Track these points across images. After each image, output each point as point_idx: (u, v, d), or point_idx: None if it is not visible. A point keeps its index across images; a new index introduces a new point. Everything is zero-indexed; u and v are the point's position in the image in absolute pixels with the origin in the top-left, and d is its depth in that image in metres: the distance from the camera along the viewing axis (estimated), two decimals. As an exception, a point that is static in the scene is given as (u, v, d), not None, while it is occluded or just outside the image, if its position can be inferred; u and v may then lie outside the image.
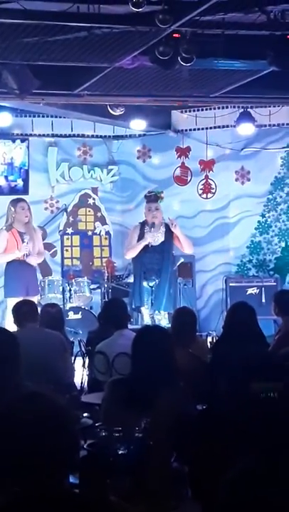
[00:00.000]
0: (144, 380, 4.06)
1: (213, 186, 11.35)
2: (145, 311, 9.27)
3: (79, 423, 4.02)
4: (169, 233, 9.36)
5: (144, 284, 9.28)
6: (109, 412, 4.16)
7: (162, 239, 9.34)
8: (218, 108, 10.95)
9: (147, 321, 9.17)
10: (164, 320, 9.07)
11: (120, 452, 3.39)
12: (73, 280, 10.46)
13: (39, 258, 9.51)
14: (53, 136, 11.39)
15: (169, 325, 8.00)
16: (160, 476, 3.41)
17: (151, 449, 3.43)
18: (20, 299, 9.13)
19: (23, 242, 9.21)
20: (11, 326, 8.28)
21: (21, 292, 9.12)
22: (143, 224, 9.43)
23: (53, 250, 11.36)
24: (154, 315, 9.22)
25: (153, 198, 9.62)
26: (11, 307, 9.10)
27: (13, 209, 9.31)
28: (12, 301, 9.17)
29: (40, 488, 2.26)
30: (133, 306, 9.31)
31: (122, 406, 4.00)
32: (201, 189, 11.40)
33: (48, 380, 5.05)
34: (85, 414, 4.24)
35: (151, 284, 9.23)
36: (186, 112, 11.25)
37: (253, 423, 2.95)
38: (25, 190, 11.08)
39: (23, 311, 6.66)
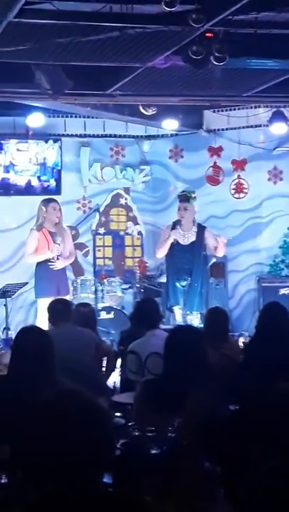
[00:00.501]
0: (176, 380, 4.05)
1: (245, 186, 11.31)
2: (178, 311, 9.27)
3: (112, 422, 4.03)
4: (200, 233, 9.35)
5: (177, 284, 9.28)
6: (141, 412, 4.16)
7: (193, 239, 9.33)
8: (251, 107, 10.91)
9: (179, 320, 9.16)
10: (196, 320, 9.05)
11: (153, 452, 3.39)
12: (105, 280, 10.48)
13: (68, 260, 9.49)
14: (85, 136, 11.42)
15: (202, 325, 8.01)
16: (192, 476, 3.40)
17: (184, 448, 3.42)
18: (52, 298, 9.20)
19: (54, 242, 9.22)
20: (43, 326, 8.36)
21: (52, 292, 9.14)
22: (175, 223, 9.45)
23: (85, 250, 11.39)
24: (186, 315, 9.22)
25: (183, 197, 9.61)
26: (42, 307, 9.23)
27: (44, 209, 9.32)
28: (43, 301, 9.22)
29: (75, 486, 2.26)
30: (167, 306, 9.34)
31: (154, 406, 4.00)
32: (233, 189, 11.36)
33: (80, 378, 5.07)
34: (118, 414, 4.25)
35: (183, 283, 9.23)
36: (218, 111, 11.21)
37: (282, 423, 2.93)
38: (57, 190, 11.12)
39: (57, 310, 6.72)
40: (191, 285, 9.22)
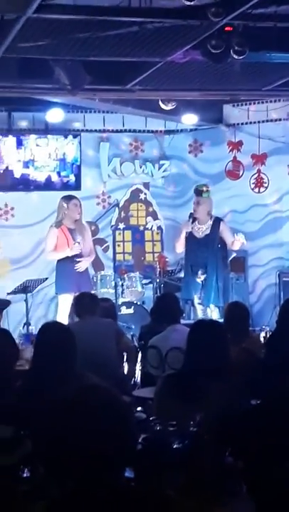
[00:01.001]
0: (197, 375, 4.05)
1: (265, 180, 11.26)
2: (198, 306, 9.28)
3: (134, 417, 4.03)
4: (216, 226, 9.37)
5: (195, 278, 9.30)
6: (163, 406, 4.16)
7: (208, 232, 9.34)
8: (271, 101, 10.86)
9: (199, 315, 9.16)
10: (214, 313, 9.04)
11: (175, 446, 3.38)
12: (125, 275, 10.49)
13: (90, 258, 9.51)
14: (104, 131, 11.42)
15: (221, 319, 8.00)
16: (214, 470, 3.39)
17: (206, 443, 3.42)
18: (72, 295, 9.22)
19: (73, 239, 9.22)
20: (64, 321, 8.40)
21: (73, 288, 9.16)
22: (189, 217, 9.51)
23: (105, 245, 11.40)
24: (205, 309, 9.22)
25: (195, 191, 9.66)
26: (63, 303, 9.26)
27: (65, 205, 9.31)
28: (63, 298, 9.26)
29: (96, 481, 2.27)
30: (183, 300, 9.34)
31: (176, 400, 4.00)
32: (253, 183, 11.32)
33: (102, 372, 5.10)
34: (139, 409, 4.25)
35: (201, 278, 9.24)
36: (238, 105, 11.17)
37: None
38: (77, 185, 11.13)
39: (83, 303, 6.81)
40: (207, 279, 9.23)
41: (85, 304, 6.80)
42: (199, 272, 9.27)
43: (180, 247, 9.55)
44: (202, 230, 9.35)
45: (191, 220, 9.41)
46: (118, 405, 2.38)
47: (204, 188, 9.53)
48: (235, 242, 9.27)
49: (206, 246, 9.32)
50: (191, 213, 9.49)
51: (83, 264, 9.25)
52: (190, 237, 9.38)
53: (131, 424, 2.42)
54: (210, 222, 9.37)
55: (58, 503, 2.30)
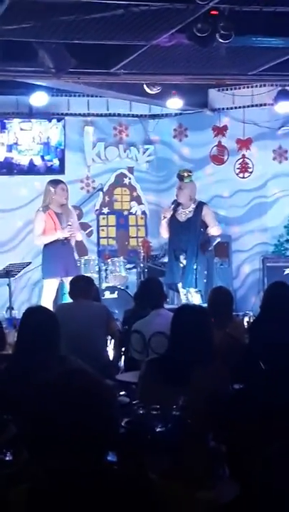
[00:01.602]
0: (181, 358, 4.05)
1: (250, 165, 11.26)
2: (182, 290, 9.31)
3: (117, 401, 4.04)
4: (198, 210, 9.43)
5: (176, 262, 9.35)
6: (146, 390, 4.16)
7: (190, 215, 9.38)
8: (256, 86, 10.84)
9: (182, 300, 9.19)
10: (196, 298, 9.05)
11: (158, 430, 3.39)
12: (109, 260, 10.48)
13: (80, 236, 9.66)
14: (89, 115, 11.36)
15: (202, 303, 8.04)
16: (197, 454, 3.40)
17: (189, 427, 3.42)
18: (59, 279, 9.23)
19: (60, 224, 9.22)
20: (48, 306, 8.40)
21: (60, 273, 9.16)
22: (173, 202, 9.60)
23: (88, 230, 11.37)
24: (187, 294, 9.25)
25: (178, 176, 9.72)
26: (48, 287, 9.25)
27: (53, 190, 9.30)
28: (49, 282, 9.25)
29: (79, 464, 2.26)
30: (166, 284, 9.38)
31: (159, 384, 4.00)
32: (238, 168, 11.32)
33: (87, 355, 5.11)
34: (122, 393, 4.26)
35: (183, 262, 9.31)
36: (223, 90, 11.15)
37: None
38: (61, 169, 11.09)
39: (78, 286, 6.86)
40: (186, 262, 9.29)
41: (81, 287, 6.87)
42: (181, 257, 9.33)
43: (164, 232, 9.63)
44: (185, 213, 9.39)
45: (173, 206, 9.45)
46: (100, 389, 2.37)
47: (186, 174, 9.56)
48: (212, 229, 9.33)
49: (188, 229, 9.37)
50: (174, 199, 9.56)
51: (78, 236, 9.43)
52: (173, 222, 9.44)
53: (113, 407, 2.41)
54: (193, 206, 9.42)
55: (40, 486, 2.29)
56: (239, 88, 11.02)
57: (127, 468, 2.98)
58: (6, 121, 10.89)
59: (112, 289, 10.06)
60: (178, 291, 9.43)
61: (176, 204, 9.48)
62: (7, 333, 6.67)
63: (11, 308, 9.67)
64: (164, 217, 9.51)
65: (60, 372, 2.50)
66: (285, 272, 10.40)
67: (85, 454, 2.28)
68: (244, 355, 5.11)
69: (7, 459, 3.23)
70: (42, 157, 11.09)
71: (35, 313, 4.50)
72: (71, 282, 7.10)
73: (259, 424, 3.12)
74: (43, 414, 2.32)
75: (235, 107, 11.19)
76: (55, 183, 9.43)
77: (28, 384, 3.66)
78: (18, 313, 8.80)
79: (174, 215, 9.47)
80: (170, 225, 9.47)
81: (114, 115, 11.51)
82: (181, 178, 9.56)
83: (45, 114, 11.04)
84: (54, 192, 9.28)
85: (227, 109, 11.28)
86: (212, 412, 3.56)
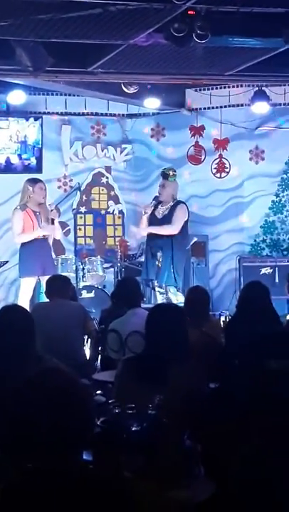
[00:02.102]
0: (157, 358, 4.06)
1: (227, 165, 11.30)
2: (158, 288, 9.33)
3: (93, 400, 4.04)
4: (174, 208, 9.43)
5: (152, 260, 9.38)
6: (123, 389, 4.17)
7: (166, 212, 9.41)
8: (233, 86, 10.87)
9: (158, 299, 9.20)
10: (179, 297, 9.05)
11: (133, 429, 3.39)
12: (86, 259, 10.47)
13: (59, 233, 9.65)
14: (66, 114, 11.35)
15: (178, 302, 8.05)
16: (172, 453, 3.41)
17: (165, 426, 3.43)
18: (36, 278, 9.20)
19: (38, 222, 9.19)
20: (25, 305, 8.37)
21: (37, 272, 9.13)
22: (154, 198, 9.62)
23: (66, 229, 11.35)
24: (165, 293, 9.26)
25: (162, 174, 9.73)
26: (25, 286, 9.22)
27: (31, 188, 9.26)
28: (26, 281, 9.21)
29: (54, 463, 2.26)
30: (143, 278, 9.44)
31: (135, 383, 4.01)
32: (214, 168, 11.35)
33: (63, 354, 5.11)
34: (98, 392, 4.25)
35: (160, 260, 9.32)
36: (200, 90, 11.17)
37: (266, 400, 2.94)
38: (38, 168, 11.06)
39: (55, 286, 6.85)
40: (162, 259, 9.31)
41: (57, 286, 6.86)
42: (158, 254, 9.34)
43: (141, 229, 9.69)
44: (163, 210, 9.43)
45: (153, 202, 9.47)
46: (75, 388, 2.38)
47: (171, 172, 9.59)
48: (163, 227, 9.36)
49: (162, 225, 9.39)
50: (156, 196, 9.57)
51: (57, 233, 9.45)
52: (152, 218, 9.47)
53: (89, 407, 2.42)
54: (171, 204, 9.44)
55: (14, 485, 2.29)
56: (216, 88, 11.05)
57: (102, 467, 2.99)
58: (-18, 119, 10.85)
59: (89, 288, 10.05)
60: (154, 289, 9.44)
61: (158, 201, 9.50)
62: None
63: (-13, 307, 9.63)
64: (145, 213, 9.52)
65: (36, 371, 2.50)
66: (261, 272, 10.44)
67: (61, 453, 2.28)
68: (220, 355, 5.13)
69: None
70: (19, 156, 11.06)
71: (10, 311, 4.49)
72: (47, 281, 7.08)
73: (235, 423, 3.13)
74: (18, 414, 2.31)
75: (212, 107, 11.21)
76: (33, 181, 9.40)
77: (2, 383, 3.66)
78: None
79: (153, 212, 9.50)
80: (148, 221, 9.49)
81: (91, 114, 11.49)
82: (166, 176, 9.60)
83: (23, 113, 11.01)
84: (32, 191, 9.25)
85: (204, 109, 11.30)
86: (188, 410, 3.58)
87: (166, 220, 9.40)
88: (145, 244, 9.78)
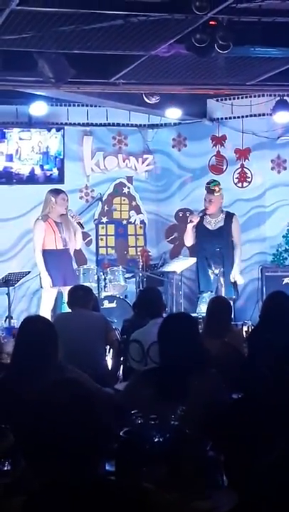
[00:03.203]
0: (173, 369, 4.04)
1: (248, 175, 11.28)
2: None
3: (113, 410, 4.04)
4: (228, 220, 9.77)
5: (209, 271, 9.47)
6: (141, 401, 4.15)
7: (221, 224, 9.72)
8: (255, 96, 10.87)
9: (202, 309, 9.26)
10: None
11: (156, 440, 3.38)
12: (108, 269, 10.48)
13: (78, 244, 9.72)
14: (88, 125, 11.38)
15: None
16: (195, 464, 3.40)
17: (187, 437, 3.42)
18: (57, 289, 9.22)
19: (60, 232, 9.25)
20: (47, 315, 8.40)
21: (59, 282, 9.16)
22: (202, 211, 9.93)
23: (87, 239, 11.37)
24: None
25: (207, 189, 9.98)
26: (46, 297, 9.25)
27: (53, 199, 9.31)
28: (48, 292, 9.23)
29: (75, 474, 2.26)
30: (198, 292, 9.74)
31: (154, 395, 3.99)
32: (236, 178, 11.34)
33: (85, 364, 5.11)
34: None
35: (216, 271, 9.44)
36: (221, 100, 11.18)
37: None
38: (60, 179, 11.10)
39: (76, 295, 6.85)
40: (224, 271, 9.46)
41: (79, 296, 6.85)
42: (214, 265, 9.51)
43: (188, 240, 9.96)
44: (215, 222, 9.62)
45: (200, 214, 9.78)
46: (92, 400, 2.37)
47: (217, 188, 9.84)
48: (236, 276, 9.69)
49: (221, 237, 9.67)
50: (203, 209, 9.86)
51: (77, 243, 9.58)
52: (202, 229, 9.73)
53: (105, 418, 2.42)
54: (222, 216, 9.79)
55: (36, 496, 2.29)
56: (238, 98, 11.05)
57: (124, 477, 2.98)
58: (5, 130, 10.91)
59: (111, 298, 10.05)
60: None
61: (204, 213, 9.73)
62: (5, 343, 6.67)
63: (9, 317, 9.68)
64: (191, 222, 9.67)
65: (55, 381, 2.50)
66: (284, 282, 10.41)
67: (79, 463, 2.28)
68: (243, 365, 5.11)
69: (5, 468, 3.23)
70: (41, 166, 11.10)
71: (33, 322, 4.50)
72: (69, 292, 7.08)
73: (258, 434, 3.11)
74: (39, 424, 2.32)
75: (234, 117, 11.21)
76: (56, 192, 9.45)
77: (25, 393, 3.67)
78: (16, 323, 8.81)
79: (202, 223, 9.74)
80: (198, 232, 9.68)
81: (113, 125, 11.52)
82: (211, 191, 9.78)
83: (45, 124, 11.06)
84: (55, 201, 9.30)
85: (226, 118, 11.31)
86: (209, 421, 3.56)
87: (224, 231, 9.67)
88: (197, 253, 9.97)
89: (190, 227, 9.75)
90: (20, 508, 2.27)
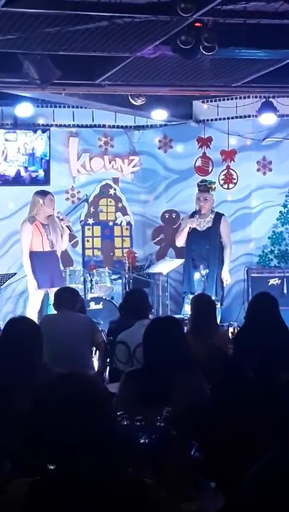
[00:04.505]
0: (157, 370, 4.05)
1: (234, 177, 11.30)
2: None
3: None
4: (217, 220, 9.78)
5: (196, 273, 9.51)
6: (126, 402, 4.15)
7: (210, 225, 9.72)
8: (240, 98, 10.89)
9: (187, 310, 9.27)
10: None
11: (142, 441, 3.38)
12: (94, 270, 10.48)
13: (64, 246, 9.69)
14: (74, 126, 11.37)
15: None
16: (181, 465, 3.40)
17: (173, 438, 3.42)
18: (44, 290, 9.21)
19: (47, 234, 9.23)
20: (33, 317, 8.38)
21: (46, 284, 9.15)
22: (194, 213, 9.87)
23: (74, 241, 11.36)
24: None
25: (203, 188, 9.93)
26: (33, 299, 9.22)
27: (41, 201, 9.28)
28: (35, 293, 9.21)
29: (82, 468, 2.27)
30: (183, 291, 9.81)
31: (138, 396, 3.99)
32: (222, 179, 11.35)
33: (71, 365, 5.11)
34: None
35: (203, 273, 9.47)
36: (207, 101, 11.20)
37: (279, 412, 2.93)
38: (46, 180, 11.08)
39: (63, 298, 6.85)
40: (209, 271, 9.47)
41: (66, 298, 6.85)
42: (201, 266, 9.51)
43: (180, 241, 9.92)
44: (204, 222, 9.61)
45: (196, 216, 9.71)
46: (96, 390, 2.39)
47: (213, 186, 9.86)
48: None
49: (208, 238, 9.66)
50: (198, 210, 9.80)
51: (63, 244, 9.53)
52: (192, 231, 9.63)
53: (109, 409, 2.43)
54: (211, 216, 9.78)
55: (40, 485, 2.30)
56: (223, 100, 11.07)
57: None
58: (-10, 132, 10.88)
59: (97, 300, 10.05)
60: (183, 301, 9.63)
61: (199, 214, 9.73)
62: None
63: (-5, 319, 9.66)
64: (188, 226, 9.73)
65: (52, 376, 2.51)
66: (270, 283, 10.44)
67: (83, 458, 2.29)
68: (226, 365, 5.11)
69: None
70: (26, 168, 11.08)
71: (17, 323, 4.49)
72: (56, 293, 7.07)
73: (244, 435, 3.12)
74: (43, 419, 2.32)
75: (220, 119, 11.23)
76: (43, 194, 9.42)
77: (8, 397, 3.66)
78: (2, 324, 8.78)
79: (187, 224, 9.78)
80: (188, 234, 9.67)
81: (99, 126, 11.52)
82: (207, 190, 9.81)
83: (30, 125, 11.04)
84: (42, 203, 9.27)
85: (211, 120, 11.32)
86: (192, 422, 3.56)
87: (212, 232, 9.69)
88: (185, 254, 9.97)
89: (186, 231, 9.75)
90: (25, 495, 2.28)
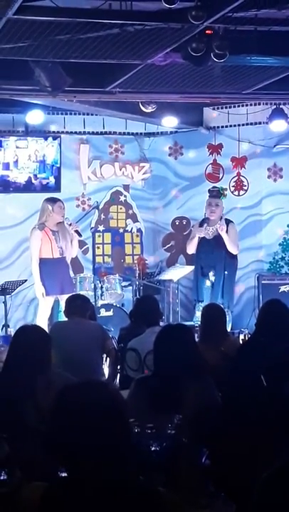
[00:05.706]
0: (169, 378, 4.04)
1: (245, 183, 11.30)
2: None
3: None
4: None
5: (205, 280, 9.59)
6: (136, 409, 4.15)
7: (217, 233, 9.69)
8: (251, 105, 10.89)
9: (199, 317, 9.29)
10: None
11: (153, 449, 3.38)
12: (105, 277, 10.48)
13: (74, 252, 9.68)
14: (84, 133, 11.40)
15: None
16: (192, 473, 3.39)
17: (184, 446, 3.42)
18: (54, 297, 9.22)
19: (56, 241, 9.25)
20: (43, 324, 8.39)
21: (56, 290, 9.16)
22: (204, 220, 9.88)
23: (84, 247, 11.38)
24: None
25: (215, 194, 9.95)
26: (43, 305, 9.24)
27: (50, 208, 9.30)
28: (45, 300, 9.22)
29: (96, 476, 2.28)
30: (194, 299, 9.83)
31: (148, 403, 3.99)
32: (233, 186, 11.35)
33: (82, 372, 5.11)
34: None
35: (212, 279, 9.46)
36: (218, 108, 11.21)
37: (281, 421, 2.92)
38: (57, 187, 11.10)
39: (74, 304, 6.85)
40: (215, 280, 9.46)
41: (77, 305, 6.86)
42: (210, 274, 9.50)
43: (191, 249, 9.91)
44: (212, 230, 9.59)
45: (205, 225, 9.71)
46: (118, 400, 2.40)
47: (225, 192, 9.85)
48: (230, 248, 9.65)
49: (218, 247, 9.60)
50: (207, 218, 9.79)
51: (73, 251, 9.51)
52: (201, 239, 9.66)
53: (126, 415, 2.45)
54: (220, 223, 9.72)
55: (56, 488, 2.31)
56: (234, 107, 11.08)
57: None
58: (2, 139, 10.92)
59: (107, 307, 10.05)
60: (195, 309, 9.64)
61: (208, 223, 9.71)
62: (2, 351, 6.66)
63: (6, 325, 9.67)
64: (198, 236, 9.74)
65: (76, 384, 2.52)
66: (280, 290, 10.42)
67: (100, 463, 2.30)
68: (238, 373, 5.10)
69: (1, 478, 3.22)
70: (35, 176, 11.10)
71: (27, 331, 4.49)
72: (67, 301, 7.08)
73: (253, 443, 3.11)
74: (64, 426, 2.33)
75: (230, 126, 11.24)
76: (52, 201, 9.45)
77: (16, 403, 3.66)
78: (13, 331, 8.78)
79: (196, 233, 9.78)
80: (198, 242, 9.70)
81: (109, 133, 11.54)
82: (218, 195, 9.81)
83: (41, 132, 11.07)
84: (52, 210, 9.29)
85: (222, 127, 11.33)
86: (206, 429, 3.56)
87: (219, 240, 9.61)
88: (195, 263, 9.94)
89: (196, 240, 9.76)
90: (39, 500, 2.29)
